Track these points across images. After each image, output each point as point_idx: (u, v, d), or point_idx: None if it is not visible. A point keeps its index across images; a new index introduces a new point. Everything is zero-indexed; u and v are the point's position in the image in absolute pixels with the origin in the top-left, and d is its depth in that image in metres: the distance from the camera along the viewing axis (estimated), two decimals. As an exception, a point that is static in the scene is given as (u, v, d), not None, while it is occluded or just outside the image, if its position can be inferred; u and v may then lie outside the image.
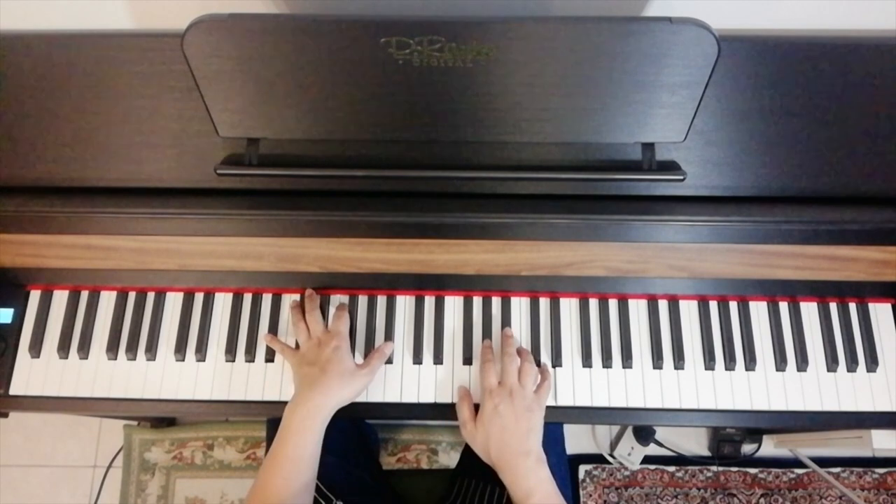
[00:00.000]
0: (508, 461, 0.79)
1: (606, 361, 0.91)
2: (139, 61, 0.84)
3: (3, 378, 0.90)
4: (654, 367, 0.91)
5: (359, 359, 0.91)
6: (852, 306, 0.93)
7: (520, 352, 0.89)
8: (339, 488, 0.92)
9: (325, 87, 0.76)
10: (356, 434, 1.23)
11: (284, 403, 0.88)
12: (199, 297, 0.94)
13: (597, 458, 1.63)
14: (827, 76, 0.83)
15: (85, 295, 0.94)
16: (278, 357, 0.91)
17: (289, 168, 0.85)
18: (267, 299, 0.94)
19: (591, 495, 1.61)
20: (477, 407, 0.86)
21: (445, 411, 0.89)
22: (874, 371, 0.90)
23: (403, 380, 0.91)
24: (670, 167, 0.85)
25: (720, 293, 0.93)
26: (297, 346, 0.89)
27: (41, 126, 0.87)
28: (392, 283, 0.93)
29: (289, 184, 0.87)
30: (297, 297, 0.94)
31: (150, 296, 0.95)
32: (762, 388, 0.89)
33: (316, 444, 0.79)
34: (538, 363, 0.90)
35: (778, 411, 0.89)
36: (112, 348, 0.92)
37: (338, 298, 0.94)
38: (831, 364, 0.90)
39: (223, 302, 0.95)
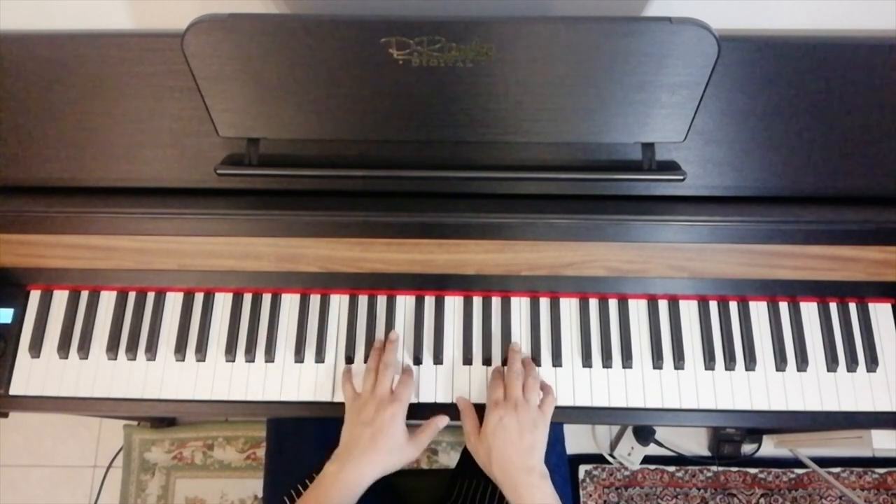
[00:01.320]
0: (512, 476, 0.78)
1: (606, 361, 0.91)
2: (139, 61, 0.84)
3: (3, 378, 0.90)
4: (654, 367, 0.91)
5: (361, 361, 0.91)
6: (852, 306, 0.93)
7: (524, 363, 0.88)
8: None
9: (325, 87, 0.76)
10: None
11: (285, 403, 0.88)
12: (199, 297, 0.94)
13: (597, 458, 1.63)
14: (827, 76, 0.83)
15: (85, 295, 0.94)
16: (278, 357, 0.91)
17: (289, 168, 0.85)
18: (267, 299, 0.94)
19: (591, 495, 1.61)
20: (482, 419, 0.84)
21: (445, 411, 0.89)
22: (874, 371, 0.90)
23: (403, 380, 0.91)
24: (670, 167, 0.86)
25: (720, 293, 0.93)
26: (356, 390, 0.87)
27: (41, 126, 0.87)
28: (392, 283, 0.93)
29: (289, 184, 0.87)
30: (298, 297, 0.94)
31: (150, 296, 0.95)
32: (762, 388, 0.89)
33: None
34: (538, 363, 0.90)
35: (778, 411, 0.89)
36: (112, 348, 0.92)
37: (338, 298, 0.94)
38: (831, 364, 0.90)
39: (223, 302, 0.95)
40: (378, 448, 0.80)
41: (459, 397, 0.89)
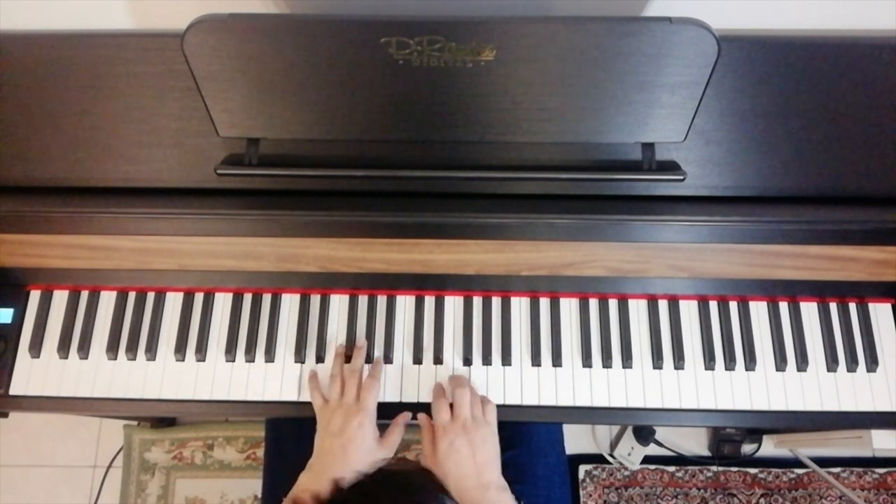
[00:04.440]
0: (470, 495, 0.78)
1: (606, 361, 0.91)
2: (139, 61, 0.84)
3: (3, 378, 0.90)
4: (654, 367, 0.91)
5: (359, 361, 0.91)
6: (852, 306, 0.93)
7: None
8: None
9: (325, 87, 0.76)
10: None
11: (284, 403, 0.88)
12: (199, 297, 0.94)
13: (597, 458, 1.63)
14: (827, 76, 0.83)
15: (85, 295, 0.94)
16: (278, 357, 0.91)
17: (289, 168, 0.85)
18: (267, 299, 0.94)
19: (591, 495, 1.61)
20: None
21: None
22: (874, 371, 0.90)
23: (403, 380, 0.91)
24: (670, 167, 0.85)
25: (720, 293, 0.93)
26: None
27: (41, 126, 0.87)
28: (392, 284, 0.93)
29: (289, 184, 0.87)
30: (298, 297, 0.94)
31: (150, 296, 0.95)
32: (762, 388, 0.89)
33: None
34: (539, 364, 0.90)
35: (778, 411, 0.89)
36: (112, 348, 0.92)
37: (338, 298, 0.94)
38: (831, 364, 0.90)
39: (223, 302, 0.95)
40: (349, 458, 0.81)
41: (422, 415, 0.87)
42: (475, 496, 0.78)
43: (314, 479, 0.80)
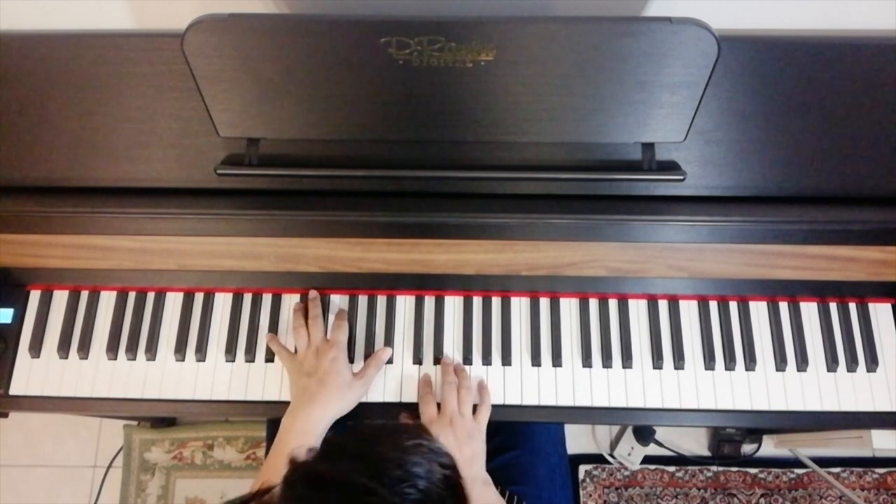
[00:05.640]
0: None
1: (606, 361, 0.91)
2: (139, 61, 0.84)
3: (3, 378, 0.90)
4: (654, 367, 0.90)
5: (360, 361, 0.91)
6: (852, 306, 0.93)
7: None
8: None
9: (325, 87, 0.76)
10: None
11: (284, 403, 0.88)
12: (199, 297, 0.94)
13: (597, 458, 1.63)
14: (827, 76, 0.83)
15: (85, 295, 0.94)
16: (277, 357, 0.91)
17: (289, 168, 0.85)
18: (267, 299, 0.94)
19: (591, 495, 1.60)
20: None
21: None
22: (874, 371, 0.90)
23: (403, 380, 0.91)
24: (670, 167, 0.85)
25: (720, 293, 0.93)
26: (296, 350, 0.89)
27: (41, 126, 0.87)
28: (392, 283, 0.93)
29: (289, 184, 0.87)
30: (298, 297, 0.94)
31: (150, 296, 0.94)
32: (762, 389, 0.89)
33: None
34: (539, 364, 0.90)
35: (778, 411, 0.89)
36: (112, 348, 0.92)
37: (338, 298, 0.94)
38: (831, 364, 0.90)
39: (223, 302, 0.95)
40: (328, 391, 0.81)
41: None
42: None
43: (296, 419, 0.81)
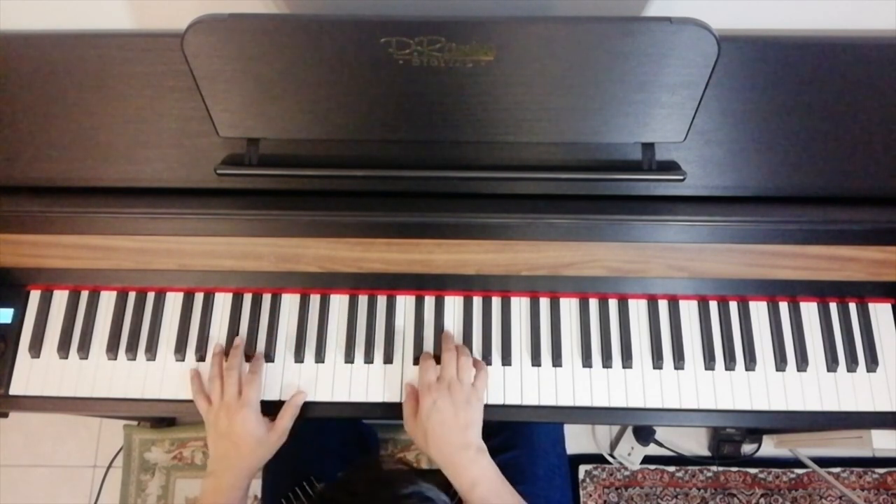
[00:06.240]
0: (449, 456, 0.79)
1: (606, 361, 0.91)
2: (139, 61, 0.84)
3: (3, 378, 0.90)
4: (654, 368, 0.90)
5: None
6: (852, 306, 0.93)
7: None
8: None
9: (325, 87, 0.76)
10: (355, 435, 1.23)
11: (284, 404, 0.88)
12: (199, 297, 0.94)
13: (597, 458, 1.63)
14: (827, 76, 0.83)
15: (85, 295, 0.94)
16: (278, 358, 0.91)
17: (289, 168, 0.85)
18: (267, 299, 0.94)
19: (591, 495, 1.60)
20: None
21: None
22: (874, 371, 0.90)
23: (403, 380, 0.90)
24: (670, 167, 0.85)
25: (720, 293, 0.93)
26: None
27: (41, 126, 0.87)
28: (392, 284, 0.93)
29: (289, 184, 0.87)
30: (298, 297, 0.94)
31: (150, 296, 0.94)
32: (762, 389, 0.89)
33: None
34: (539, 364, 0.90)
35: (778, 411, 0.89)
36: (112, 348, 0.92)
37: (338, 298, 0.94)
38: (831, 364, 0.90)
39: (223, 302, 0.95)
40: (242, 454, 0.83)
41: (408, 383, 0.89)
42: (454, 456, 0.79)
43: (217, 483, 0.83)
